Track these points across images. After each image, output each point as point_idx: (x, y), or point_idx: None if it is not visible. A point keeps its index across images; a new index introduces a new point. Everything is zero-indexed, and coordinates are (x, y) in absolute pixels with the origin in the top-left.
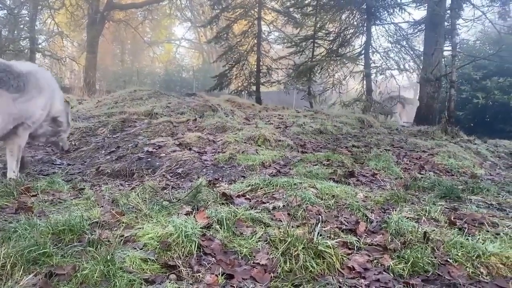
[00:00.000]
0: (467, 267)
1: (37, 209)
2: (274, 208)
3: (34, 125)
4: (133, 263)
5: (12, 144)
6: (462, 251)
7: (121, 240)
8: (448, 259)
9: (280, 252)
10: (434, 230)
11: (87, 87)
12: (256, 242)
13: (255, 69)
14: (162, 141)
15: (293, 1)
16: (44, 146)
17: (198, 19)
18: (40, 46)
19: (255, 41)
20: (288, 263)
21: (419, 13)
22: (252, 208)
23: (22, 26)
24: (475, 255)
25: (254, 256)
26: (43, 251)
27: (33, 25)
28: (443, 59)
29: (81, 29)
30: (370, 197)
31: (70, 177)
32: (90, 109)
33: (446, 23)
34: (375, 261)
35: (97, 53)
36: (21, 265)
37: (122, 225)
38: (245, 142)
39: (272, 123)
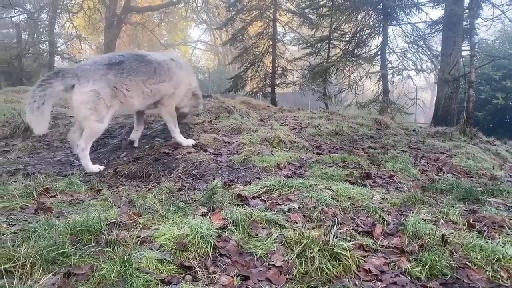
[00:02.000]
0: (486, 270)
1: (56, 209)
2: (289, 209)
3: (176, 99)
4: (150, 263)
5: (165, 114)
6: (481, 254)
7: (138, 240)
8: (467, 263)
9: (295, 254)
10: (452, 233)
11: None
12: (272, 243)
13: (270, 71)
14: (179, 143)
15: (308, 2)
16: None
17: (214, 21)
18: (59, 49)
19: (270, 42)
20: (303, 265)
21: (437, 13)
22: (268, 209)
23: (41, 29)
24: (495, 259)
25: (270, 258)
26: (61, 251)
27: (52, 29)
28: (461, 59)
29: (98, 32)
30: (386, 199)
31: (88, 178)
32: None
33: (464, 23)
34: (392, 263)
35: None
36: (41, 265)
37: (139, 226)
38: (260, 144)
39: (287, 125)
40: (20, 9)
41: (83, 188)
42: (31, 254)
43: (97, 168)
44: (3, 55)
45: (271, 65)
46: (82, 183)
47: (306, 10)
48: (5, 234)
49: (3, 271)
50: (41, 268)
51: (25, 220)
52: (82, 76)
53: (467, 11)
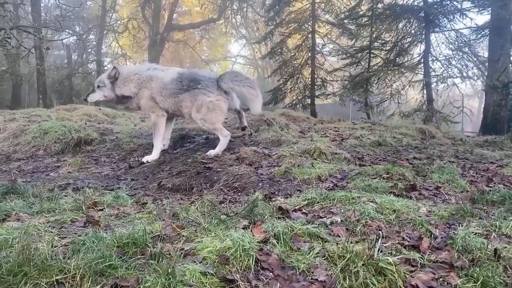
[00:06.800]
0: None
1: (103, 222)
2: (331, 223)
3: None
4: (193, 276)
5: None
6: None
7: (181, 253)
8: None
9: (339, 269)
10: (506, 247)
11: None
12: (314, 257)
13: (310, 82)
14: (219, 156)
15: (347, 13)
16: (112, 162)
17: (253, 36)
18: (105, 68)
19: (309, 54)
20: (347, 279)
21: (482, 18)
22: (309, 222)
23: (89, 50)
24: None
25: (312, 272)
26: (109, 263)
27: (100, 49)
28: (510, 65)
29: (142, 50)
30: (433, 211)
31: (134, 192)
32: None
33: None
34: (440, 279)
35: None
36: (89, 276)
37: (182, 239)
38: (300, 156)
39: (327, 136)
40: (70, 32)
41: (129, 202)
42: (80, 266)
43: None
44: (55, 75)
45: (310, 76)
46: (128, 196)
47: (346, 21)
48: (56, 246)
49: (55, 283)
50: (90, 280)
51: (75, 233)
52: None
53: None
